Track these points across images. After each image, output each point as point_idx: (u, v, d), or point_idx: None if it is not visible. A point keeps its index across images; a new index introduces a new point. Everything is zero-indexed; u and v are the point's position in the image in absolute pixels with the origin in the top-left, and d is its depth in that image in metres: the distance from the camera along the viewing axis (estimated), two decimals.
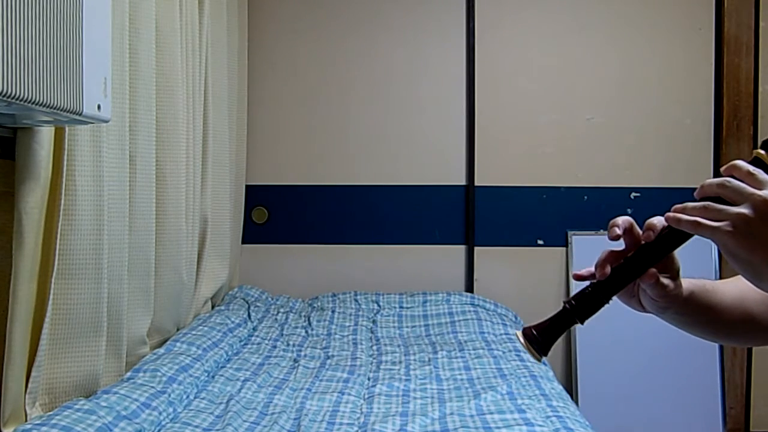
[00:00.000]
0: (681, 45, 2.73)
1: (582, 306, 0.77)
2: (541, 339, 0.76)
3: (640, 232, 0.76)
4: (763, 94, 2.67)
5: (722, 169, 0.70)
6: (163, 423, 1.41)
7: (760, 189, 0.66)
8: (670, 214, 0.70)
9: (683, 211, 0.70)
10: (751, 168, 0.68)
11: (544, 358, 0.78)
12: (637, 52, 2.74)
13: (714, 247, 2.66)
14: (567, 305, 0.77)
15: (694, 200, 0.71)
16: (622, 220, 0.76)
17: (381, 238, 2.78)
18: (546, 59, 2.75)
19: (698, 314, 0.82)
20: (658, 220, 0.75)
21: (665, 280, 0.76)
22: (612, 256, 0.77)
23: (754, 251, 0.66)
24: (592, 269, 0.78)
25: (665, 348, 2.63)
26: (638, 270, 0.75)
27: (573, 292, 0.80)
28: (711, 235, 0.67)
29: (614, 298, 0.78)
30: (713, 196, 0.69)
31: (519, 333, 0.77)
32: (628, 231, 0.76)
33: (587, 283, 0.78)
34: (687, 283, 0.80)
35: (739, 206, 0.66)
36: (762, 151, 0.70)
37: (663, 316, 0.82)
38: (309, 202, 2.79)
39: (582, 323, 0.77)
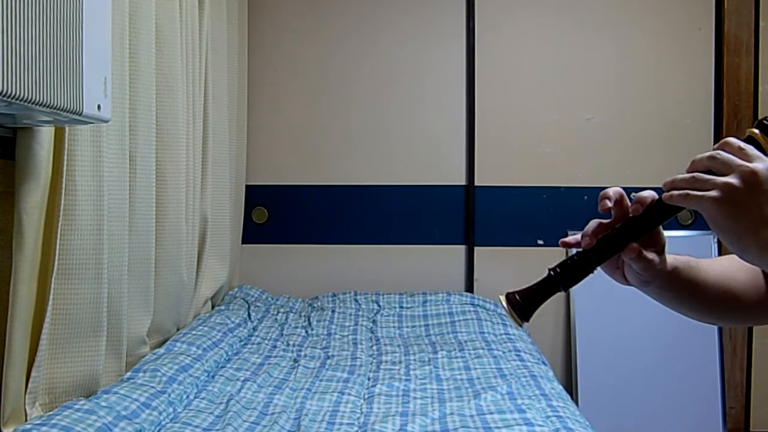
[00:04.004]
0: (681, 45, 2.73)
1: (566, 274, 0.77)
2: (524, 304, 0.77)
3: (630, 204, 0.77)
4: (763, 94, 2.67)
5: (715, 146, 0.71)
6: (163, 423, 1.41)
7: (749, 162, 0.67)
8: (665, 194, 0.72)
9: (673, 185, 0.71)
10: (741, 143, 0.69)
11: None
12: (637, 52, 2.74)
13: (714, 242, 2.67)
14: (551, 272, 0.78)
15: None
16: (613, 192, 0.77)
17: (381, 238, 2.78)
18: (546, 59, 2.75)
19: (681, 290, 0.82)
20: (648, 194, 0.76)
21: (649, 254, 0.76)
22: (600, 227, 0.77)
23: (738, 220, 0.66)
24: (579, 237, 0.78)
25: (665, 348, 2.63)
26: (624, 241, 0.75)
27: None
28: (697, 203, 0.68)
29: (599, 269, 0.78)
30: (703, 170, 0.70)
31: (502, 297, 0.77)
32: (618, 202, 0.77)
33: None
34: (671, 258, 0.81)
35: (726, 176, 0.67)
36: (756, 130, 0.71)
37: (646, 290, 0.82)
38: (309, 202, 2.79)
39: (565, 291, 0.77)
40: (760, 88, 2.67)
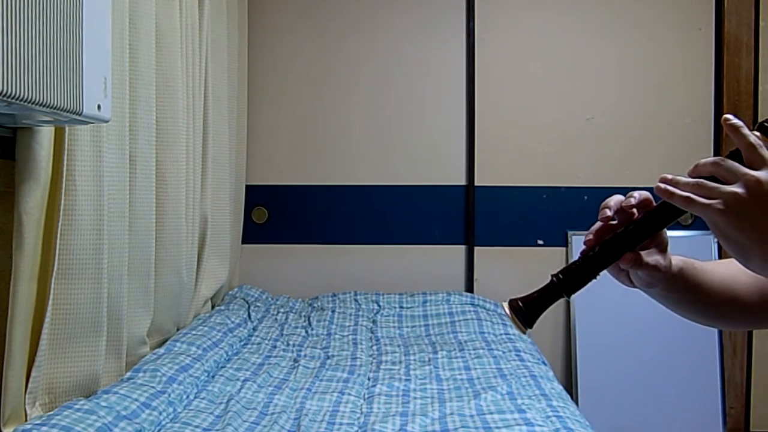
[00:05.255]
0: (681, 45, 2.73)
1: (569, 280, 0.76)
2: (527, 311, 0.76)
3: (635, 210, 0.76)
4: (763, 94, 2.67)
5: (727, 123, 0.68)
6: (163, 423, 1.41)
7: (755, 169, 0.66)
8: (662, 186, 0.70)
9: (675, 185, 0.69)
10: (753, 139, 0.67)
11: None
12: (637, 51, 2.74)
13: (714, 241, 2.67)
14: (554, 279, 0.77)
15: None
16: (614, 202, 0.76)
17: (381, 238, 2.78)
18: (546, 59, 2.75)
19: (685, 292, 0.82)
20: (646, 196, 0.75)
21: (651, 259, 0.76)
22: (604, 228, 0.77)
23: (744, 231, 0.65)
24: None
25: (665, 348, 2.63)
26: (628, 246, 0.75)
27: None
28: (702, 212, 0.67)
29: (604, 273, 0.77)
30: (706, 176, 0.69)
31: (505, 304, 0.77)
32: (620, 210, 0.76)
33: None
34: (676, 260, 0.80)
35: (732, 185, 0.66)
36: (757, 132, 0.71)
37: (650, 292, 0.82)
38: (309, 202, 2.79)
39: (568, 297, 0.77)
40: (760, 88, 2.67)
